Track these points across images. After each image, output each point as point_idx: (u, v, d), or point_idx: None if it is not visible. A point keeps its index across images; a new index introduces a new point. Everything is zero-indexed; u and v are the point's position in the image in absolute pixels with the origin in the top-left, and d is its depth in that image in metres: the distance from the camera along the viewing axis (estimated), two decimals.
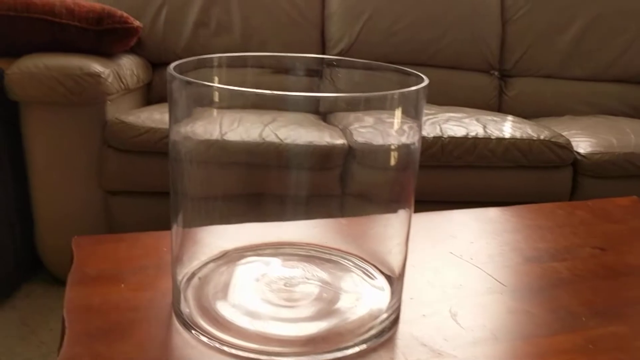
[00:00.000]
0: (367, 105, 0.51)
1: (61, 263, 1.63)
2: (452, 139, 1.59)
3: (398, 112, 0.48)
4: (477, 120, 1.70)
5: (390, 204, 0.53)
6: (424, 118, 1.68)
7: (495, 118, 1.74)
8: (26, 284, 1.65)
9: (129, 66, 1.75)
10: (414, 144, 0.51)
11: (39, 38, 1.59)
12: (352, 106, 0.51)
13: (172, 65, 0.42)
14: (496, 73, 2.18)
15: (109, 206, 1.60)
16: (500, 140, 1.60)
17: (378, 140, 0.56)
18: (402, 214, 0.50)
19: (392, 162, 0.62)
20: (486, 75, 2.16)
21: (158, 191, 1.58)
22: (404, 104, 0.45)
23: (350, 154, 1.55)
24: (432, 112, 1.79)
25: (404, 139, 0.52)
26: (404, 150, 0.54)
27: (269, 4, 2.08)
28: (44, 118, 1.54)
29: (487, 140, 1.59)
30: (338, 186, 1.58)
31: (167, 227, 1.64)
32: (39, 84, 1.48)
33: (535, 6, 2.18)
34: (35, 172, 1.57)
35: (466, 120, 1.69)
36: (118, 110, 1.63)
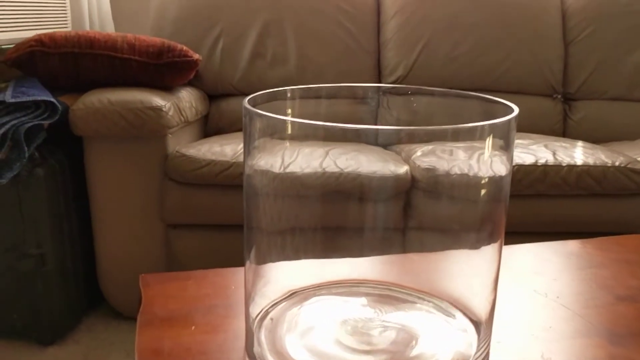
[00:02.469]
0: (455, 137, 0.46)
1: (123, 297, 1.63)
2: (521, 167, 1.52)
3: (489, 143, 0.44)
4: (546, 146, 1.62)
5: (476, 239, 0.49)
6: None
7: (564, 144, 1.67)
8: (87, 318, 1.65)
9: (188, 99, 1.76)
10: (505, 175, 0.48)
11: (102, 73, 1.61)
12: (438, 138, 0.47)
13: (247, 98, 0.40)
14: (560, 97, 2.10)
15: (170, 239, 1.59)
16: (572, 167, 1.52)
17: (461, 170, 0.52)
18: (489, 250, 0.45)
19: (481, 194, 0.57)
20: (549, 99, 2.09)
21: (219, 224, 1.56)
22: (494, 134, 0.42)
23: (428, 184, 1.50)
24: None
25: (495, 171, 0.49)
26: (494, 182, 0.51)
27: (323, 33, 2.06)
28: (107, 152, 1.55)
29: (558, 167, 1.52)
30: (411, 219, 1.52)
31: (229, 260, 1.62)
32: (102, 118, 1.49)
33: (599, 26, 2.10)
34: (98, 205, 1.57)
35: (534, 147, 1.62)
36: (178, 143, 1.63)
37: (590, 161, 1.54)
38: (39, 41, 1.56)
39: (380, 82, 2.09)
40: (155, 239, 1.59)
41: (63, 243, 1.53)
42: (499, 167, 0.47)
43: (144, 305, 0.51)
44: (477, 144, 0.45)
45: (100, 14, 2.07)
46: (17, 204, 1.45)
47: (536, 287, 0.57)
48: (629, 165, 1.54)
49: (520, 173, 1.51)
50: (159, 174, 1.56)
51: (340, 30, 2.07)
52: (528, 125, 2.05)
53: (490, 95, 1.96)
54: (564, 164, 1.53)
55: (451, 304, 0.49)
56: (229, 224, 1.56)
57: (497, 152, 0.48)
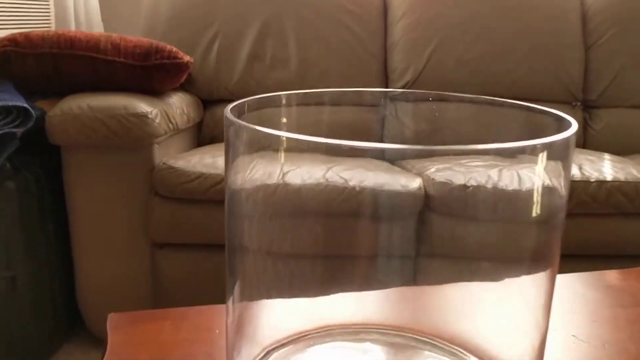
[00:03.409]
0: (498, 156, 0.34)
1: (104, 323, 1.48)
2: None
3: (540, 167, 0.33)
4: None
5: (518, 270, 0.38)
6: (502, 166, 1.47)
7: (589, 157, 1.52)
8: (66, 345, 1.50)
9: (178, 104, 1.61)
10: (560, 195, 0.37)
11: (84, 76, 1.47)
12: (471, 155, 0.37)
13: (229, 107, 0.32)
14: (579, 104, 1.95)
15: (156, 260, 1.44)
16: (602, 183, 1.38)
17: (510, 185, 0.41)
18: (536, 284, 0.33)
19: (534, 214, 0.46)
20: (568, 107, 1.94)
21: (210, 243, 1.42)
22: (548, 154, 0.32)
23: (456, 201, 1.36)
24: None
25: (548, 186, 0.38)
26: (547, 201, 0.40)
27: (326, 35, 1.92)
28: (87, 163, 1.40)
29: (585, 183, 1.37)
30: (422, 243, 1.38)
31: (220, 284, 1.42)
32: (81, 125, 1.35)
33: (621, 29, 1.95)
34: (77, 222, 1.43)
35: None
36: (166, 154, 1.49)
37: (621, 176, 1.40)
38: (12, 41, 1.42)
39: (387, 87, 1.95)
40: (140, 259, 1.44)
41: (38, 264, 1.39)
42: (554, 183, 0.36)
43: (108, 355, 0.42)
44: (522, 166, 0.34)
45: (88, 13, 1.93)
46: None
47: (574, 331, 0.47)
48: None
49: None
50: (145, 187, 1.41)
51: (345, 32, 1.92)
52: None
53: (505, 102, 1.82)
54: (592, 180, 1.38)
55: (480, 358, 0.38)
56: (221, 244, 1.41)
57: (550, 176, 0.37)
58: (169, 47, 1.49)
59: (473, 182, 1.36)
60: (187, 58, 1.52)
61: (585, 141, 1.94)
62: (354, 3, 1.94)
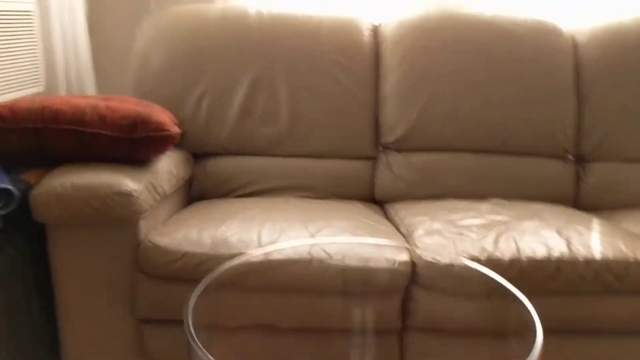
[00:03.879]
0: None
1: None
2: (532, 261, 1.36)
3: None
4: (559, 232, 1.46)
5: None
6: (494, 233, 1.46)
7: (578, 227, 1.51)
8: None
9: (167, 169, 1.61)
10: None
11: (69, 148, 1.46)
12: None
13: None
14: (572, 158, 1.94)
15: (142, 335, 1.44)
16: (590, 262, 1.36)
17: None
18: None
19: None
20: (561, 161, 1.92)
21: None
22: None
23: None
24: (504, 217, 1.57)
25: None
26: None
27: (317, 87, 1.91)
28: (72, 239, 1.40)
29: (573, 262, 1.36)
30: (408, 317, 1.36)
31: None
32: (65, 205, 1.34)
33: (615, 82, 1.93)
34: (62, 297, 1.42)
35: (545, 233, 1.46)
36: (154, 222, 1.48)
37: (610, 254, 1.38)
38: None
39: (378, 141, 1.94)
40: (125, 334, 1.44)
41: (21, 339, 1.38)
42: None
43: None
44: None
45: (78, 71, 1.92)
46: None
47: None
48: None
49: (531, 268, 1.36)
50: (130, 263, 1.41)
51: (336, 84, 1.91)
52: (537, 189, 1.89)
53: (497, 157, 1.81)
54: (580, 258, 1.37)
55: None
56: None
57: None
58: (155, 117, 1.49)
59: (461, 261, 1.34)
60: (173, 130, 1.51)
61: (578, 195, 1.93)
62: (345, 55, 1.92)
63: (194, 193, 1.89)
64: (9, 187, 1.30)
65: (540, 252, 1.38)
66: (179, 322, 1.41)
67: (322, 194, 1.88)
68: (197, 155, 1.90)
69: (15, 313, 1.36)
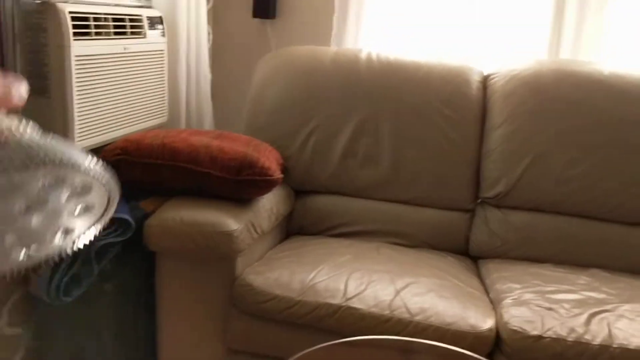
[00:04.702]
0: None
1: None
2: (624, 350, 1.30)
3: None
4: None
5: None
6: (587, 312, 1.41)
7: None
8: None
9: (268, 206, 1.70)
10: None
11: (183, 183, 1.60)
12: None
13: None
14: None
15: None
16: None
17: None
18: None
19: None
20: None
21: (281, 356, 1.49)
22: None
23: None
24: (602, 295, 1.51)
25: None
26: None
27: (421, 137, 1.93)
28: (177, 269, 1.53)
29: (625, 350, 1.29)
30: None
31: None
32: (174, 238, 1.47)
33: None
34: (164, 319, 1.56)
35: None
36: (250, 256, 1.58)
37: None
38: (125, 149, 1.57)
39: (477, 194, 1.92)
40: None
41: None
42: None
43: None
44: None
45: (199, 107, 2.08)
46: (82, 318, 1.46)
47: None
48: None
49: (622, 358, 1.30)
50: (225, 297, 1.51)
51: (440, 135, 1.92)
52: None
53: (607, 225, 1.74)
54: (631, 347, 1.29)
55: None
56: None
57: None
58: (260, 162, 1.58)
59: (551, 334, 1.35)
60: (276, 175, 1.60)
61: None
62: (451, 107, 1.93)
63: (292, 227, 1.97)
64: (128, 217, 1.45)
65: (634, 341, 1.31)
66: (264, 357, 1.50)
67: (416, 241, 1.90)
68: (299, 191, 1.99)
69: (122, 330, 1.51)
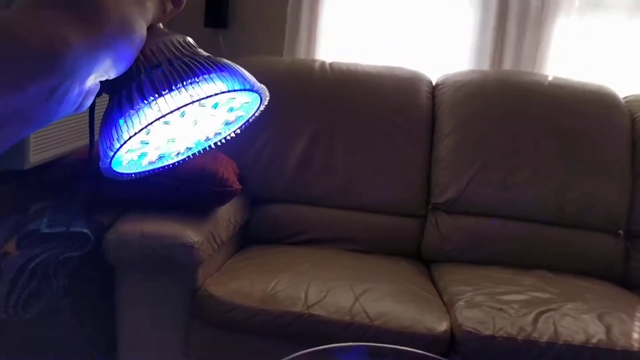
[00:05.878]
0: None
1: None
2: (569, 346, 1.39)
3: None
4: (600, 318, 1.49)
5: None
6: (535, 312, 1.49)
7: (622, 314, 1.52)
8: None
9: (226, 217, 1.72)
10: None
11: (142, 196, 1.59)
12: None
13: None
14: (622, 233, 1.94)
15: None
16: (628, 353, 1.38)
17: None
18: None
19: None
20: (611, 236, 1.93)
21: None
22: None
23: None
24: (547, 295, 1.60)
25: None
26: None
27: (374, 144, 1.99)
28: (137, 281, 1.53)
29: (611, 352, 1.39)
30: None
31: None
32: (134, 251, 1.47)
33: None
34: (124, 331, 1.55)
35: (586, 317, 1.49)
36: (209, 267, 1.59)
37: None
38: (82, 161, 1.55)
39: (428, 201, 2.00)
40: None
41: None
42: None
43: None
44: None
45: None
46: (40, 336, 1.44)
47: None
48: None
49: (566, 355, 1.39)
50: (186, 308, 1.52)
51: (392, 144, 1.99)
52: (586, 262, 1.90)
53: (549, 228, 1.84)
54: (618, 348, 1.39)
55: None
56: None
57: None
58: (220, 173, 1.60)
59: (502, 334, 1.43)
60: (235, 186, 1.62)
61: (626, 272, 1.92)
62: (403, 117, 2.00)
63: (249, 236, 1.99)
64: (87, 231, 1.44)
65: (578, 337, 1.41)
66: None
67: (371, 247, 1.95)
68: (255, 200, 2.01)
69: (81, 345, 1.49)
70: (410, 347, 1.37)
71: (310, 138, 1.99)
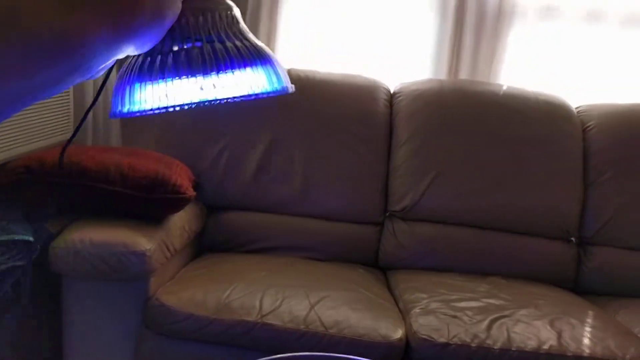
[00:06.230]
0: None
1: None
2: (522, 352, 1.40)
3: None
4: (552, 324, 1.51)
5: None
6: (489, 319, 1.51)
7: (572, 320, 1.55)
8: None
9: (180, 224, 1.68)
10: None
11: (92, 203, 1.55)
12: None
13: None
14: (574, 240, 1.98)
15: None
16: (578, 358, 1.40)
17: None
18: None
19: None
20: (563, 242, 1.97)
21: None
22: None
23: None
24: (501, 302, 1.62)
25: None
26: None
27: (332, 152, 1.99)
28: (85, 291, 1.48)
29: (562, 357, 1.40)
30: None
31: None
32: (82, 260, 1.42)
33: (623, 170, 1.98)
34: (71, 343, 1.50)
35: (538, 324, 1.50)
36: (162, 276, 1.55)
37: (599, 351, 1.42)
38: (27, 168, 1.50)
39: (386, 208, 2.00)
40: None
41: None
42: None
43: None
44: None
45: (105, 123, 2.02)
46: None
47: None
48: None
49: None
50: (137, 318, 1.48)
51: (350, 152, 1.98)
52: (539, 269, 1.94)
53: (501, 235, 1.86)
54: (568, 353, 1.41)
55: None
56: None
57: None
58: (173, 179, 1.57)
59: (456, 341, 1.43)
60: (189, 193, 1.59)
61: (577, 278, 1.96)
62: (360, 125, 2.00)
63: (204, 244, 1.96)
64: (30, 238, 1.39)
65: (530, 343, 1.42)
66: None
67: (328, 255, 1.94)
68: (211, 207, 1.98)
69: (26, 353, 1.43)
70: (365, 356, 1.36)
71: (268, 145, 1.98)
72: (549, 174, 1.98)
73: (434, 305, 1.57)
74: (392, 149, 2.01)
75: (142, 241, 1.46)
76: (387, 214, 2.00)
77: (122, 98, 0.40)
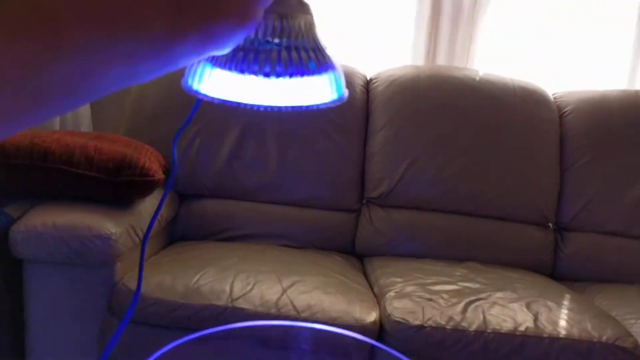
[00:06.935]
0: None
1: None
2: (497, 334, 1.38)
3: None
4: (528, 306, 1.48)
5: None
6: (464, 301, 1.48)
7: (549, 302, 1.53)
8: None
9: (150, 210, 1.63)
10: None
11: (55, 187, 1.50)
12: None
13: None
14: (551, 225, 1.97)
15: None
16: (554, 340, 1.38)
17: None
18: None
19: None
20: (541, 228, 1.95)
21: None
22: None
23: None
24: (477, 285, 1.59)
25: None
26: None
27: (307, 139, 1.95)
28: (48, 276, 1.42)
29: (538, 339, 1.38)
30: None
31: None
32: (44, 244, 1.37)
33: (599, 155, 1.97)
34: (33, 330, 1.44)
35: (515, 306, 1.48)
36: (130, 262, 1.50)
37: (575, 333, 1.40)
38: None
39: (363, 195, 1.97)
40: None
41: None
42: None
43: None
44: None
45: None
46: None
47: None
48: (617, 342, 1.39)
49: (495, 342, 1.37)
50: (103, 305, 1.43)
51: (326, 138, 1.95)
52: (516, 254, 1.92)
53: (478, 220, 1.83)
54: (545, 335, 1.39)
55: None
56: None
57: None
58: (141, 162, 1.52)
59: (431, 323, 1.39)
60: (157, 176, 1.54)
61: (555, 264, 1.95)
62: (336, 111, 1.96)
63: (177, 232, 1.91)
64: None
65: (506, 325, 1.40)
66: None
67: (304, 243, 1.91)
68: (184, 195, 1.93)
69: None
70: (338, 341, 1.32)
71: (241, 131, 1.93)
72: (525, 159, 1.96)
73: (409, 288, 1.54)
74: (369, 136, 1.98)
75: (108, 225, 1.41)
76: (364, 201, 1.97)
77: (194, 74, 0.42)
